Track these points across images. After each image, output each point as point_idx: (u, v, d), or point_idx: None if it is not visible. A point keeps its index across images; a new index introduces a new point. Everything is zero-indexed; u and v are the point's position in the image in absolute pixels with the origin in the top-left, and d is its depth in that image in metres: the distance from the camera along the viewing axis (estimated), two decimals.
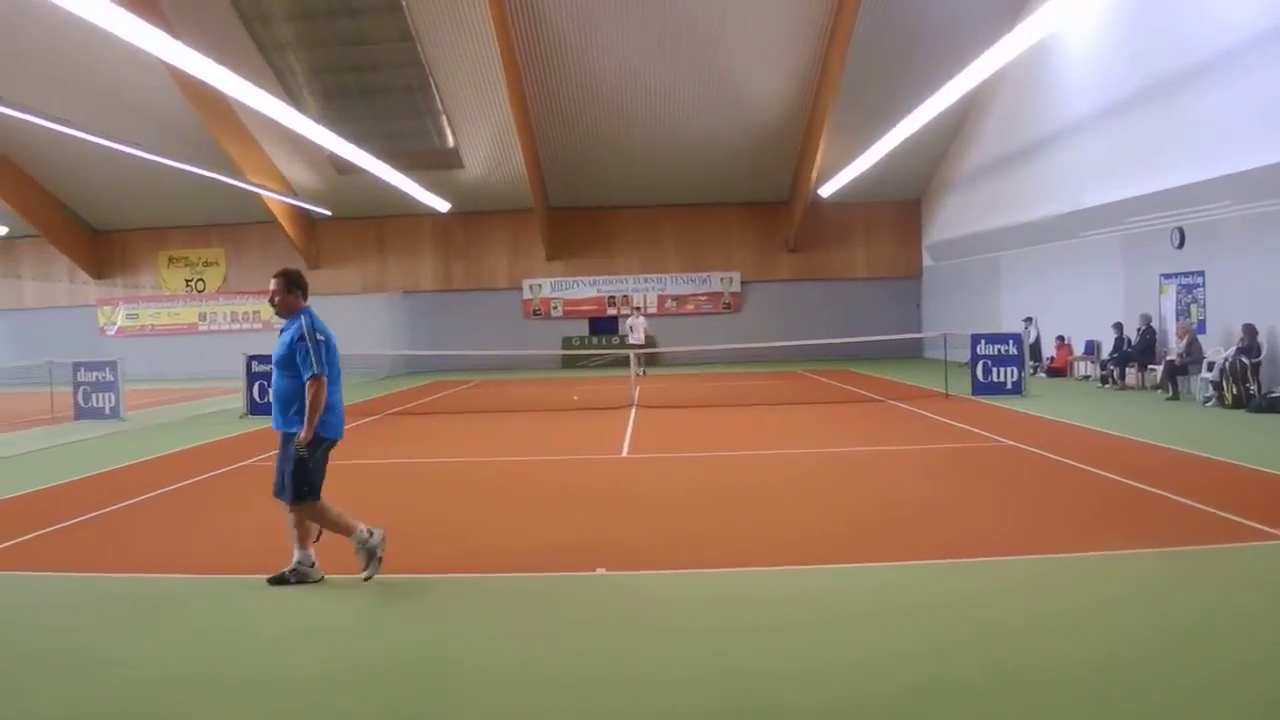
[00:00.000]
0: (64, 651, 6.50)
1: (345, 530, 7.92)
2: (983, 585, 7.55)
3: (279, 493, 7.89)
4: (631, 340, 33.87)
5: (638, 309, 37.51)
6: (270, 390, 8.08)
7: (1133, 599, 7.09)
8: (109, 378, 22.43)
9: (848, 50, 28.79)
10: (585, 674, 6.00)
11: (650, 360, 32.56)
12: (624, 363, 27.26)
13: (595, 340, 40.58)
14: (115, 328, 43.12)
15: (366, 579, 7.82)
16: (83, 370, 22.65)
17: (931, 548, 8.70)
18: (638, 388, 23.74)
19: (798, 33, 30.26)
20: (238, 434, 19.17)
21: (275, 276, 7.92)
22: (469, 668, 6.13)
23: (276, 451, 8.04)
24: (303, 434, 7.64)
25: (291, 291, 7.88)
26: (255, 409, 22.14)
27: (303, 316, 7.82)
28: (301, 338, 7.69)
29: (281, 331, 7.90)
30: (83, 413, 22.29)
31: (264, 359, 22.57)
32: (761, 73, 32.28)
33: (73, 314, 42.77)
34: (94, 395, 22.43)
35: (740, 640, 6.39)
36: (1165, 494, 10.49)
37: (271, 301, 7.91)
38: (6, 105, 19.27)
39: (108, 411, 22.22)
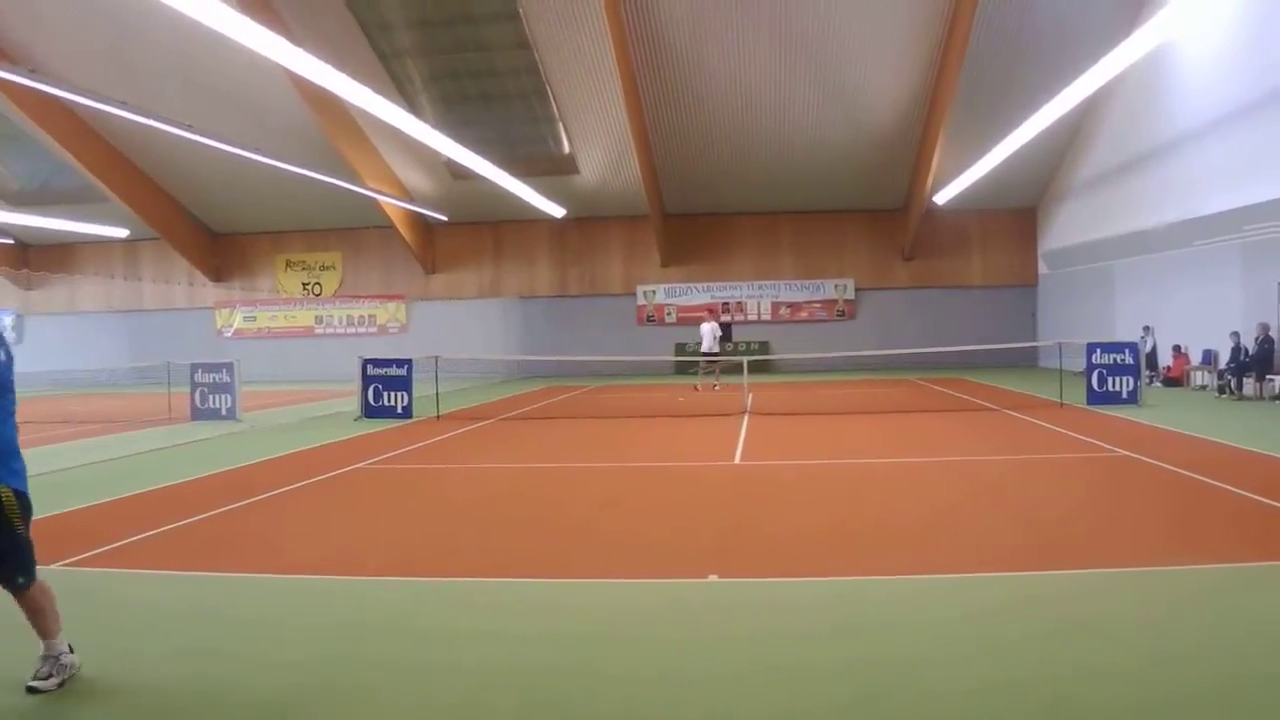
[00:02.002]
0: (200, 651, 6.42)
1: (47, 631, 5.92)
2: (1127, 600, 7.14)
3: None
4: (704, 349, 30.56)
5: (711, 311, 34.34)
6: None
7: None
8: (226, 379, 22.65)
9: (963, 57, 28.24)
10: (700, 677, 5.88)
11: (753, 367, 29.55)
12: (738, 370, 26.89)
13: None
14: (232, 330, 43.95)
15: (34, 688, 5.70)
16: (200, 371, 22.91)
17: (1061, 559, 8.30)
18: (750, 395, 23.49)
19: (913, 40, 29.74)
20: (352, 436, 19.21)
21: None
22: (595, 670, 6.09)
23: None
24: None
25: None
26: (370, 412, 22.29)
27: None
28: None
29: None
30: (200, 414, 22.53)
31: (379, 363, 22.74)
32: (877, 80, 31.77)
33: (191, 316, 43.69)
34: (211, 396, 22.66)
35: (862, 658, 5.98)
36: None
37: None
38: (130, 110, 19.51)
39: (224, 412, 22.44)
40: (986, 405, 23.02)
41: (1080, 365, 22.88)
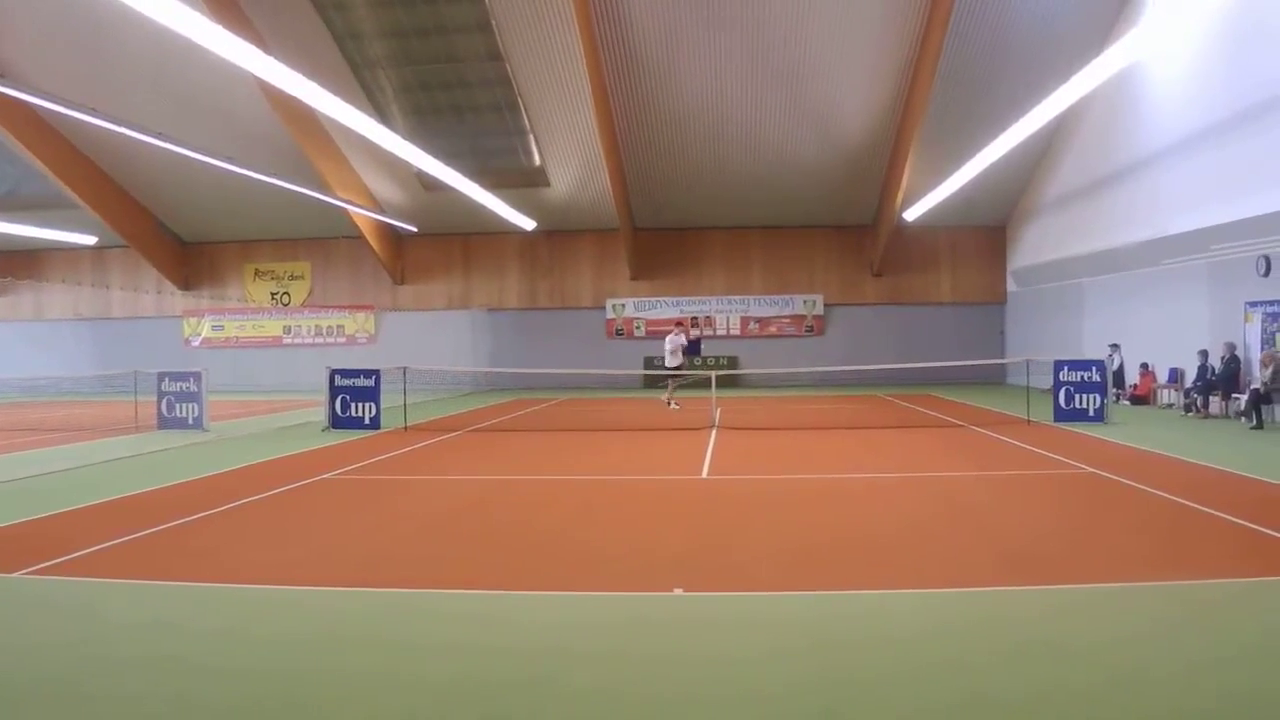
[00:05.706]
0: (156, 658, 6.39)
1: None
2: (1094, 618, 7.12)
3: None
4: (668, 364, 28.05)
5: (679, 323, 31.15)
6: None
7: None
8: (193, 388, 22.53)
9: (934, 74, 28.44)
10: (664, 695, 5.81)
11: (721, 382, 27.59)
12: (705, 384, 26.82)
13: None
14: (200, 339, 43.64)
15: None
16: (167, 380, 22.77)
17: (1029, 576, 8.32)
18: (718, 410, 23.50)
19: (885, 57, 29.87)
20: (320, 446, 19.12)
21: None
22: (559, 685, 6.03)
23: None
24: None
25: None
26: (338, 422, 22.18)
27: None
28: None
29: None
30: (166, 422, 22.41)
31: (347, 373, 22.65)
32: (848, 96, 31.89)
33: (159, 324, 43.38)
34: (178, 405, 22.54)
35: (825, 674, 6.00)
36: (1258, 527, 9.98)
37: None
38: (99, 116, 19.39)
39: (191, 422, 22.32)
40: (954, 421, 23.10)
41: (1048, 383, 23.00)
